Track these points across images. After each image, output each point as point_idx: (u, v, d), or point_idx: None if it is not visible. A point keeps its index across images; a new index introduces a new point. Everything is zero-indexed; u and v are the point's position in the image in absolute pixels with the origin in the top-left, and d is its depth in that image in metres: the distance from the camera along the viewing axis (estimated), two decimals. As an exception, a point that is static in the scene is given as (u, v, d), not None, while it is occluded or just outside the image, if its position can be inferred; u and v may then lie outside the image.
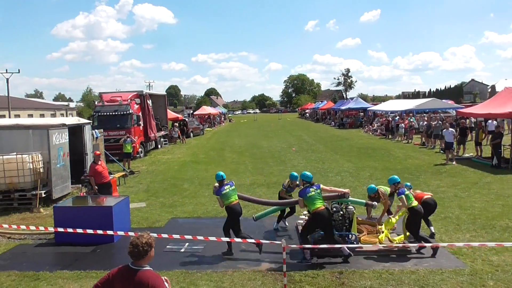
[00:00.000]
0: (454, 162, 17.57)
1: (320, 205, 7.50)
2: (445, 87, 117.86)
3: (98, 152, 12.33)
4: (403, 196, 7.68)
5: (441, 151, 21.24)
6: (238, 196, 8.42)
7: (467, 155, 19.84)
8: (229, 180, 8.54)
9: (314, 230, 7.87)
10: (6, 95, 43.51)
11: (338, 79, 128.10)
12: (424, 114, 32.49)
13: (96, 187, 11.06)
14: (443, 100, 41.27)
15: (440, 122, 23.79)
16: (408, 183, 9.00)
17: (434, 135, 23.10)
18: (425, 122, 25.58)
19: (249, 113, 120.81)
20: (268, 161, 20.04)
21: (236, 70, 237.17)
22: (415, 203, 7.75)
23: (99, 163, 11.56)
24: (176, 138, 32.24)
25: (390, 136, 30.59)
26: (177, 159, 22.43)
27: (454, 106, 36.07)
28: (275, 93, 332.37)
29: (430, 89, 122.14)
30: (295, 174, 9.15)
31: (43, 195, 11.79)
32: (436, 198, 11.60)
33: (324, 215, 7.46)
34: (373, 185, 9.04)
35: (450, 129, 18.65)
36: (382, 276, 6.74)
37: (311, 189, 7.60)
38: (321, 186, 7.92)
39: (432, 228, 8.65)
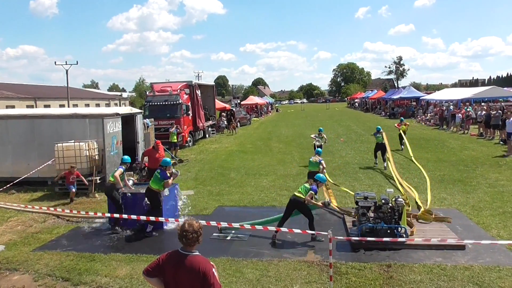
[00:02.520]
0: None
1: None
2: (508, 74, 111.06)
3: (158, 141, 13.00)
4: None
5: (501, 142, 20.04)
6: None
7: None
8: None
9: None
10: (66, 85, 46.03)
11: (389, 67, 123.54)
12: (483, 103, 30.73)
13: (145, 167, 12.40)
14: (505, 88, 38.78)
15: (500, 111, 22.39)
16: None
17: (493, 125, 21.79)
18: (484, 112, 24.15)
19: (296, 103, 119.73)
20: (315, 151, 19.78)
21: (284, 59, 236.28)
22: None
23: (159, 151, 12.41)
24: (224, 128, 32.64)
25: (444, 127, 29.24)
26: (224, 148, 22.73)
27: (517, 94, 33.84)
28: (323, 83, 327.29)
29: (490, 77, 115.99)
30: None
31: (98, 181, 12.39)
32: (495, 192, 11.14)
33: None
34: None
35: None
36: (433, 271, 6.49)
37: None
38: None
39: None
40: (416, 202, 9.75)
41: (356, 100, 74.12)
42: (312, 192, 8.00)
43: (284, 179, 13.79)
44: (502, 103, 32.78)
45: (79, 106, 45.38)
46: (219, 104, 37.13)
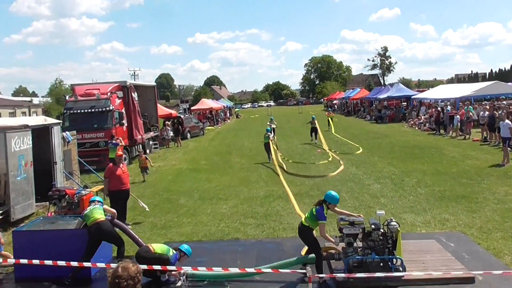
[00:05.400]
0: (509, 163, 17.30)
1: None
2: (511, 66, 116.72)
3: (120, 153, 12.59)
4: None
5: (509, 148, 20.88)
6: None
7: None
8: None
9: None
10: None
11: (373, 60, 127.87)
12: (485, 102, 31.99)
13: (108, 193, 11.56)
14: (509, 83, 40.58)
15: (504, 111, 23.41)
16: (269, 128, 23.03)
17: (498, 128, 22.72)
18: (487, 112, 25.15)
19: (262, 106, 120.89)
20: (287, 167, 19.87)
21: (244, 52, 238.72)
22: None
23: (120, 165, 11.89)
24: (169, 140, 32.31)
25: (441, 131, 30.22)
26: (171, 166, 22.49)
27: (523, 90, 35.44)
28: (294, 80, 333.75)
29: (491, 70, 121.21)
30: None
31: (0, 217, 11.81)
32: (505, 210, 11.49)
33: None
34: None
35: (507, 121, 18.61)
36: (438, 313, 6.54)
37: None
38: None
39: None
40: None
41: (334, 102, 75.66)
42: (324, 222, 7.96)
43: (249, 203, 13.69)
44: (504, 102, 34.10)
45: (-24, 118, 43.56)
46: (162, 110, 36.81)
